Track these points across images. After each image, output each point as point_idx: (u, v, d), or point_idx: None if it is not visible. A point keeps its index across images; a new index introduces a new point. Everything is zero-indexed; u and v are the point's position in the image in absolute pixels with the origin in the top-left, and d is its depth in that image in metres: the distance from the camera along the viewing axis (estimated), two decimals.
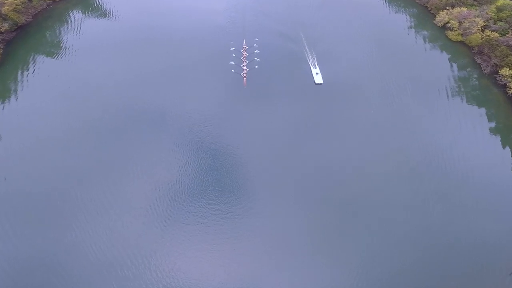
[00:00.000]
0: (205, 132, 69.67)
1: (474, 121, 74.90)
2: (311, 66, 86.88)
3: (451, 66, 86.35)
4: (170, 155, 65.73)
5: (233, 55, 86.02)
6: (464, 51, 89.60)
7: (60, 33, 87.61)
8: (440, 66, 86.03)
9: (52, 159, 64.33)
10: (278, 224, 58.36)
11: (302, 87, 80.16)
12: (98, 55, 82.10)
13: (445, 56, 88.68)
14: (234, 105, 75.17)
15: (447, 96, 79.62)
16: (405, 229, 58.49)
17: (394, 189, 63.25)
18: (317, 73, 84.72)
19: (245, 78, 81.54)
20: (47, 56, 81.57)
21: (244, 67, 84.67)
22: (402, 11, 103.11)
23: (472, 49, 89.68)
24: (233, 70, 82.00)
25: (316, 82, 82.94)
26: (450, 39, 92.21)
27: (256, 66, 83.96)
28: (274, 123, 72.56)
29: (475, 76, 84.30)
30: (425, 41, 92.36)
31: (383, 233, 57.82)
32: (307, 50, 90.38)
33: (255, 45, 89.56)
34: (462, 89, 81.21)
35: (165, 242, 55.59)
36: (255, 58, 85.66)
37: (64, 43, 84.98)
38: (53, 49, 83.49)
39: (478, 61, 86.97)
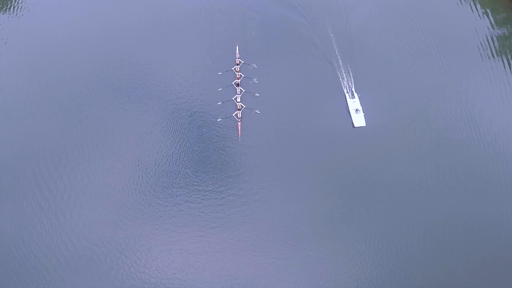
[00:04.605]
0: (191, 102, 59.48)
1: None
2: (347, 95, 56.00)
3: (489, 21, 71.93)
4: (148, 128, 56.53)
5: (219, 90, 59.03)
6: (504, 3, 73.77)
7: None
8: (474, 21, 70.89)
9: (5, 133, 56.16)
10: (275, 210, 50.70)
11: (332, 135, 54.78)
12: (59, 8, 72.28)
13: (481, 9, 75.71)
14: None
15: (483, 57, 64.53)
16: (431, 214, 49.00)
17: (415, 168, 52.79)
18: (356, 110, 54.14)
19: (239, 123, 54.49)
20: None
21: (238, 101, 56.24)
22: None
23: None
24: (219, 103, 56.84)
25: (355, 125, 53.95)
26: None
27: (257, 94, 57.47)
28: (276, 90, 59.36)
29: None
30: None
31: (402, 219, 49.16)
32: (340, 61, 59.43)
33: (254, 65, 60.97)
34: (501, 49, 64.06)
35: (143, 232, 48.48)
36: (256, 94, 58.26)
37: None
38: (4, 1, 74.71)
39: None
